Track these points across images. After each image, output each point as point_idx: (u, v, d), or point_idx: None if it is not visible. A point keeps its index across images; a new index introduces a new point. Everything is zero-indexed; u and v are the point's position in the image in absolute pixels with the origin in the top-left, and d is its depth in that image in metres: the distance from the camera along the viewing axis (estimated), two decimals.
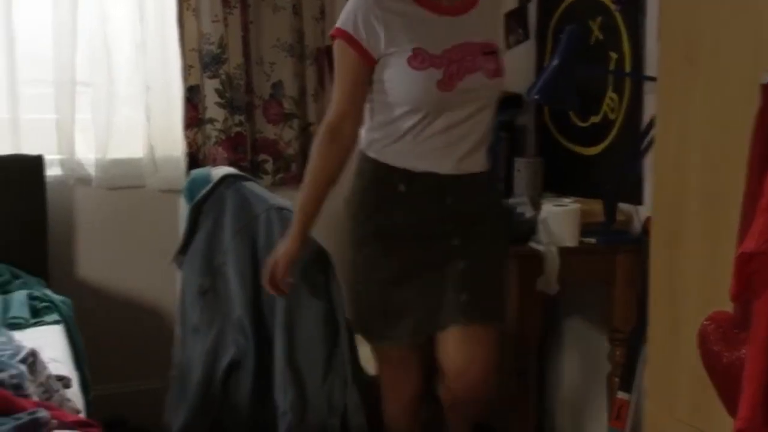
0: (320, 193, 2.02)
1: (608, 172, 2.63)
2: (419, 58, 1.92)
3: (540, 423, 2.93)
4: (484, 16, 2.02)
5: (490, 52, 1.98)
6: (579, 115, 2.75)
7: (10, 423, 1.69)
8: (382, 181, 2.01)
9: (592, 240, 2.50)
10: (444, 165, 1.98)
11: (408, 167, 1.98)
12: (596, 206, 2.56)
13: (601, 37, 2.65)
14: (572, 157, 2.79)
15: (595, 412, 2.76)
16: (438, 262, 2.01)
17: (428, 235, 2.00)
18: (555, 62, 2.39)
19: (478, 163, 2.03)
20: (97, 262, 3.14)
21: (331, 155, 1.99)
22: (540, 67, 2.89)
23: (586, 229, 2.50)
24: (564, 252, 2.42)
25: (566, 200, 2.58)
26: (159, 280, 3.10)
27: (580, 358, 2.89)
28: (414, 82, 1.92)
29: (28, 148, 2.96)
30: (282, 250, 2.10)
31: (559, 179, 2.83)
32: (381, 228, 2.02)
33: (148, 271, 3.14)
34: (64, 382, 2.08)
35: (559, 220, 2.45)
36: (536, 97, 2.41)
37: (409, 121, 1.95)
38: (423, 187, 1.98)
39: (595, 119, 2.70)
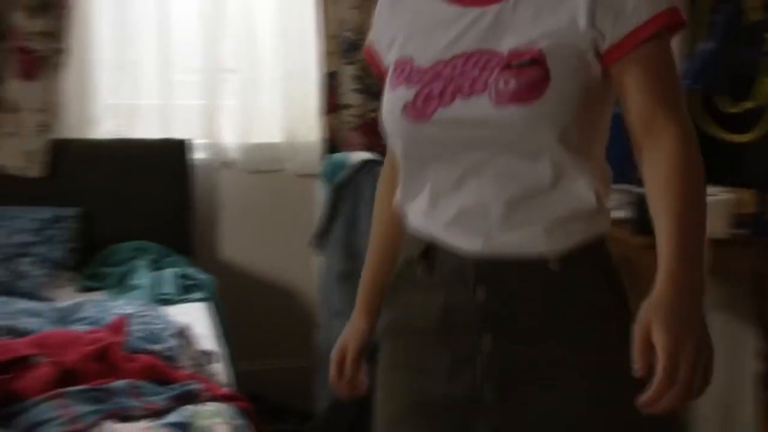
0: (374, 252, 1.38)
1: (762, 160, 2.50)
2: (397, 72, 1.21)
3: (681, 424, 2.83)
4: (539, 4, 1.14)
5: (522, 64, 1.11)
6: (729, 100, 2.62)
7: (167, 393, 1.78)
8: (404, 255, 1.27)
9: (744, 231, 2.38)
10: (469, 239, 1.16)
11: (426, 238, 1.21)
12: (747, 196, 2.43)
13: (757, 17, 2.50)
14: (721, 144, 2.66)
15: (740, 414, 2.64)
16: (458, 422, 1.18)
17: (447, 356, 1.19)
18: (711, 46, 2.27)
19: (534, 241, 1.14)
20: (238, 242, 3.26)
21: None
22: (690, 52, 2.77)
23: (736, 220, 2.38)
24: (714, 244, 2.31)
25: (716, 189, 2.46)
26: (296, 261, 3.19)
27: (724, 356, 2.77)
28: (384, 107, 1.23)
29: (177, 133, 3.10)
30: (343, 337, 1.38)
31: (706, 168, 2.70)
32: (395, 326, 1.27)
33: (286, 252, 3.23)
34: (211, 356, 2.17)
35: (709, 210, 2.34)
36: (688, 82, 2.29)
37: (401, 168, 1.25)
38: (442, 271, 1.19)
39: (748, 105, 2.56)
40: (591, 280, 1.17)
